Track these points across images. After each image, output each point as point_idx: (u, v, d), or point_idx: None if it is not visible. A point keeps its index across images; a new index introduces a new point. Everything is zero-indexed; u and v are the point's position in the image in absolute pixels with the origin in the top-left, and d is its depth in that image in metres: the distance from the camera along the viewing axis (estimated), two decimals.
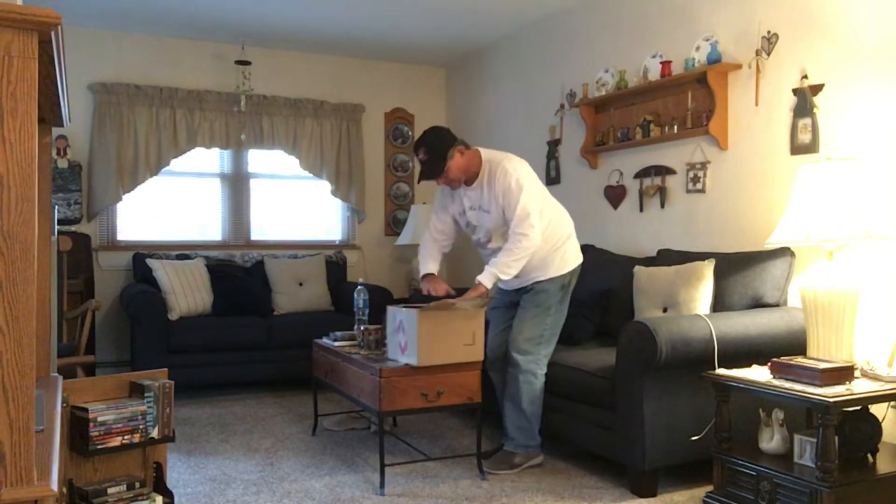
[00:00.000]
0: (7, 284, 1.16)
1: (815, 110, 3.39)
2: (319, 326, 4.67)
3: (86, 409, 2.29)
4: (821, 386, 2.49)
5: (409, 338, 3.09)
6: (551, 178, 5.26)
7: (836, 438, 2.49)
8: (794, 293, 3.31)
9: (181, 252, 5.49)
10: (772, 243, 3.04)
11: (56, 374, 2.15)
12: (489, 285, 3.21)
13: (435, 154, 3.27)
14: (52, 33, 1.21)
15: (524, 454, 3.37)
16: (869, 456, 2.71)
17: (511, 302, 3.51)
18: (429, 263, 3.50)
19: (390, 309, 3.26)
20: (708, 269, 3.40)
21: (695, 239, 4.03)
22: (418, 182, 3.50)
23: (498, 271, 3.21)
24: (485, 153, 3.36)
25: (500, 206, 3.28)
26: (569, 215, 3.54)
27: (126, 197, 5.50)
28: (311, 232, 6.31)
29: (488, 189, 3.31)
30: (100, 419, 2.29)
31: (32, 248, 1.18)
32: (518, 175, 3.26)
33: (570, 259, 3.45)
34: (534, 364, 3.35)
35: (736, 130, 3.83)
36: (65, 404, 2.21)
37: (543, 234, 3.30)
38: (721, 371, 2.83)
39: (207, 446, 3.75)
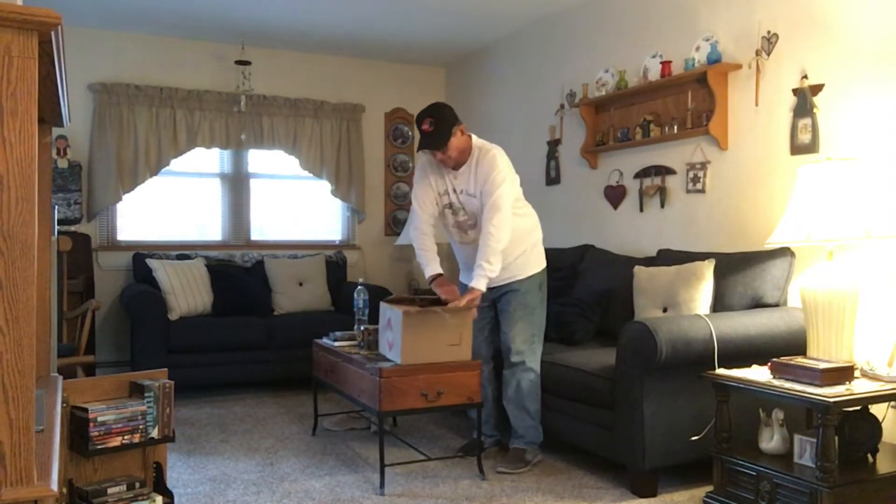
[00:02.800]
0: (7, 284, 1.16)
1: (815, 110, 3.39)
2: (319, 326, 4.67)
3: (86, 409, 2.28)
4: (821, 386, 2.49)
5: (395, 336, 3.11)
6: (551, 178, 5.26)
7: (836, 438, 2.49)
8: (794, 293, 3.31)
9: (181, 252, 5.49)
10: (772, 243, 3.04)
11: (56, 374, 2.15)
12: (484, 288, 3.22)
13: (441, 126, 3.23)
14: (52, 33, 1.21)
15: (534, 450, 3.41)
16: (869, 456, 2.71)
17: (489, 300, 3.49)
18: (433, 263, 3.41)
19: (383, 305, 3.28)
20: (708, 269, 3.40)
21: (695, 239, 4.03)
22: (417, 150, 3.39)
23: (486, 273, 3.21)
24: (475, 140, 3.38)
25: (479, 190, 3.30)
26: (537, 219, 3.58)
27: (126, 197, 5.50)
28: (311, 232, 6.31)
29: (475, 174, 3.32)
30: (100, 419, 2.29)
31: (32, 248, 1.18)
32: (502, 166, 3.29)
33: (541, 259, 3.54)
34: (533, 362, 3.41)
35: (736, 130, 3.83)
36: (65, 404, 2.21)
37: (521, 231, 3.37)
38: (721, 371, 2.83)
39: (207, 446, 3.75)
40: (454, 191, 3.38)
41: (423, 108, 3.34)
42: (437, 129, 3.23)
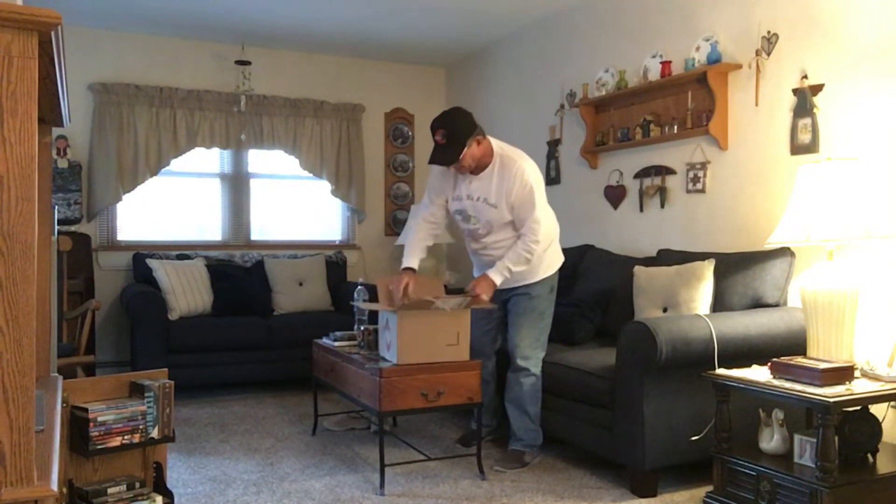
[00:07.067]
0: (7, 284, 1.16)
1: (815, 110, 3.39)
2: (319, 326, 4.68)
3: (86, 409, 2.28)
4: (821, 386, 2.49)
5: (392, 336, 3.11)
6: (551, 178, 5.26)
7: (836, 438, 2.49)
8: (794, 293, 3.31)
9: (181, 252, 5.49)
10: (772, 243, 3.04)
11: (56, 374, 2.15)
12: (499, 282, 3.21)
13: (453, 140, 3.10)
14: (52, 33, 1.21)
15: (532, 453, 3.42)
16: (869, 456, 2.71)
17: (500, 300, 3.48)
18: (413, 255, 3.33)
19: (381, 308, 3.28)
20: (708, 269, 3.40)
21: (695, 239, 4.03)
22: (429, 163, 3.24)
23: (507, 274, 3.21)
24: (496, 145, 3.27)
25: (510, 204, 3.22)
26: (555, 218, 3.53)
27: (126, 197, 5.49)
28: (311, 232, 6.31)
29: (499, 184, 3.22)
30: (100, 419, 2.29)
31: (32, 248, 1.18)
32: (534, 180, 3.22)
33: (555, 260, 3.50)
34: (535, 367, 3.41)
35: (736, 130, 3.83)
36: (65, 404, 2.21)
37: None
38: (721, 371, 2.83)
39: (207, 446, 3.75)
40: (468, 197, 3.29)
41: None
42: (450, 142, 3.11)
